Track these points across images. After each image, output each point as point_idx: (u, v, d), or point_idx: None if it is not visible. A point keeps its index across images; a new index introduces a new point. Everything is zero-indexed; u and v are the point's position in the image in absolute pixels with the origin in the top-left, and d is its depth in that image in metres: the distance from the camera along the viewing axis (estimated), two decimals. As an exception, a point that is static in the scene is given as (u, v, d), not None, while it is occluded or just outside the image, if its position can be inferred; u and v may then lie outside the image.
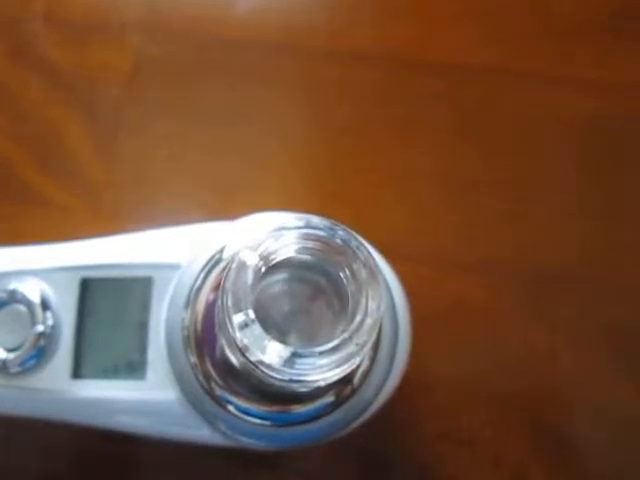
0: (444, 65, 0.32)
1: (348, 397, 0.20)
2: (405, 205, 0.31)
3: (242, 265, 0.15)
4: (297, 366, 0.14)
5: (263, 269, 0.15)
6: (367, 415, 0.21)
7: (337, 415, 0.20)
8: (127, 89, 0.33)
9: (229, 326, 0.14)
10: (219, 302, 0.15)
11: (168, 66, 0.33)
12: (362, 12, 0.34)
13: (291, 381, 0.14)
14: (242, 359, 0.15)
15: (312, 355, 0.15)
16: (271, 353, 0.14)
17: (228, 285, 0.15)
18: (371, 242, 0.21)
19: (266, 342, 0.14)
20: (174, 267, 0.22)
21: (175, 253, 0.22)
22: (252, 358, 0.14)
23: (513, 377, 0.29)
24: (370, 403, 0.21)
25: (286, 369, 0.14)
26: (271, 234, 0.15)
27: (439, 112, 0.32)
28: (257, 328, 0.14)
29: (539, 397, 0.29)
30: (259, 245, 0.15)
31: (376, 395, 0.21)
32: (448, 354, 0.29)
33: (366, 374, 0.20)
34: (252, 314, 0.15)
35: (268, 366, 0.14)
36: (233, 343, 0.14)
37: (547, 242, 0.30)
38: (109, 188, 0.32)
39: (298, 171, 0.32)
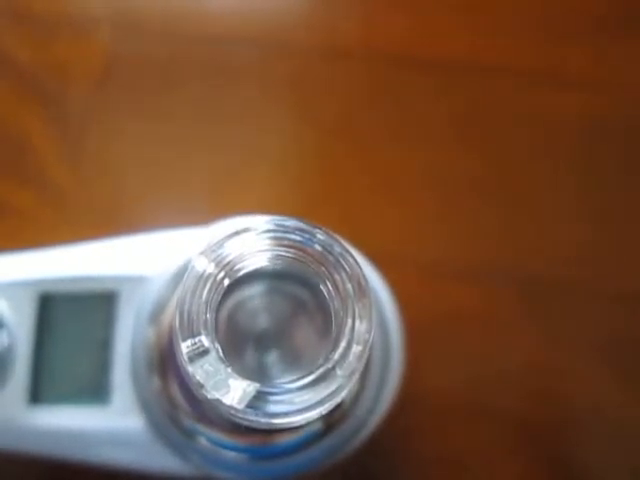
0: (438, 62, 0.31)
1: (337, 423, 0.18)
2: (397, 209, 0.30)
3: (197, 277, 0.12)
4: (267, 406, 0.12)
5: (226, 281, 0.12)
6: (358, 441, 0.19)
7: (325, 443, 0.18)
8: (97, 89, 0.31)
9: (179, 356, 0.12)
10: (173, 324, 0.12)
11: (142, 65, 0.31)
12: (352, 6, 0.32)
13: (260, 423, 0.12)
14: (202, 396, 0.12)
15: (285, 392, 0.12)
16: (231, 391, 0.12)
17: (178, 303, 0.12)
18: (361, 247, 0.19)
19: (224, 376, 0.12)
20: (142, 279, 0.20)
21: (143, 264, 0.21)
22: (208, 396, 0.12)
23: (513, 394, 0.28)
24: (361, 427, 0.19)
25: (252, 410, 0.12)
26: (229, 238, 0.12)
27: (433, 111, 0.31)
28: (212, 359, 0.12)
29: (541, 416, 0.28)
30: (214, 251, 0.12)
31: (368, 418, 0.19)
32: (444, 370, 0.28)
33: (357, 395, 0.18)
34: (206, 341, 0.12)
35: (229, 407, 0.12)
36: (188, 377, 0.12)
37: (547, 248, 0.29)
38: (76, 194, 0.30)
39: (284, 172, 0.30)
